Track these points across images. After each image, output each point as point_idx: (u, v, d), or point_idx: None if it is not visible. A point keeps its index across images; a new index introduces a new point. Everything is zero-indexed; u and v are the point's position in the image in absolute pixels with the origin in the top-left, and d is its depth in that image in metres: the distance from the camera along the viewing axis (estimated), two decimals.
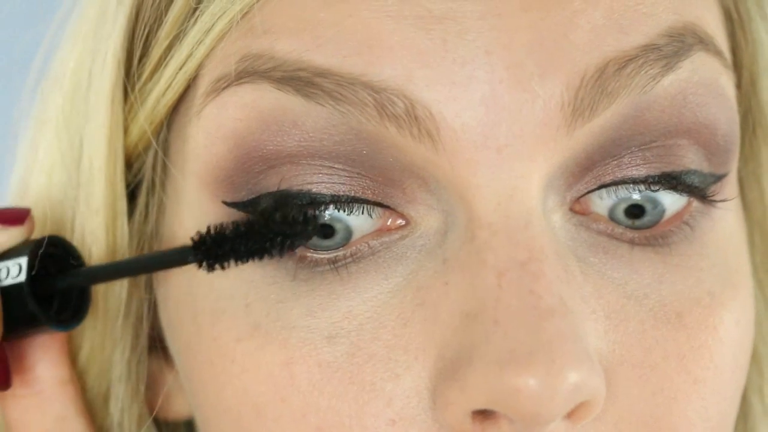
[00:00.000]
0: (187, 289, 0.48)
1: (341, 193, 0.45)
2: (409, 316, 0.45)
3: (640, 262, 0.46)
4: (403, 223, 0.45)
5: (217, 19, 0.46)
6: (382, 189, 0.45)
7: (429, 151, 0.44)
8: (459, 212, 0.44)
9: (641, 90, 0.45)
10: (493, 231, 0.44)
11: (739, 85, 0.52)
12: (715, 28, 0.48)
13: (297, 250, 0.45)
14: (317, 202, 0.45)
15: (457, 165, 0.44)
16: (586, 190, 0.46)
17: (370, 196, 0.45)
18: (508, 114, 0.43)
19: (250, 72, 0.45)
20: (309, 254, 0.45)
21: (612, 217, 0.46)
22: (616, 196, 0.46)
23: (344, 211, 0.45)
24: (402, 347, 0.44)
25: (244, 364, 0.46)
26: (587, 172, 0.46)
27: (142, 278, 0.51)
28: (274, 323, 0.45)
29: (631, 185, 0.46)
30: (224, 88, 0.46)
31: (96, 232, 0.50)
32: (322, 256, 0.45)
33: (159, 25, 0.48)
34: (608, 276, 0.46)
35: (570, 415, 0.43)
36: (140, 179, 0.51)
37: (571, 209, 0.46)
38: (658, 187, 0.46)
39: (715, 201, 0.48)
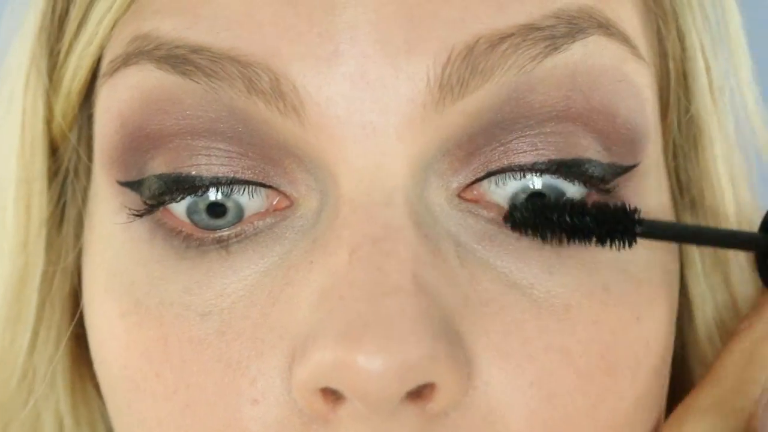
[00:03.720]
0: (93, 264, 0.49)
1: (221, 175, 0.45)
2: (277, 295, 0.44)
3: (530, 252, 0.45)
4: (288, 203, 0.46)
5: (111, 4, 0.47)
6: (263, 168, 0.45)
7: (296, 126, 0.44)
8: (330, 189, 0.44)
9: (520, 70, 0.44)
10: (353, 207, 0.43)
11: (667, 78, 0.51)
12: (623, 14, 0.47)
13: (185, 229, 0.46)
14: (197, 185, 0.45)
15: (324, 140, 0.44)
16: (474, 178, 0.45)
17: (250, 177, 0.45)
18: (373, 90, 0.43)
19: (136, 53, 0.46)
20: (196, 233, 0.46)
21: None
22: (505, 184, 0.45)
23: (224, 193, 0.45)
24: (268, 326, 0.44)
25: (126, 340, 0.46)
26: (472, 157, 0.45)
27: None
28: (153, 300, 0.46)
29: (519, 172, 0.45)
30: (115, 70, 0.47)
31: (7, 217, 0.52)
32: (208, 235, 0.46)
33: (70, 7, 0.49)
34: (490, 264, 0.45)
35: (417, 400, 0.42)
36: (63, 164, 0.52)
37: (460, 196, 0.45)
38: (548, 175, 0.45)
39: (618, 183, 0.46)
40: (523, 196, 0.45)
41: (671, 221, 0.50)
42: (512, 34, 0.44)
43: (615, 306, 0.45)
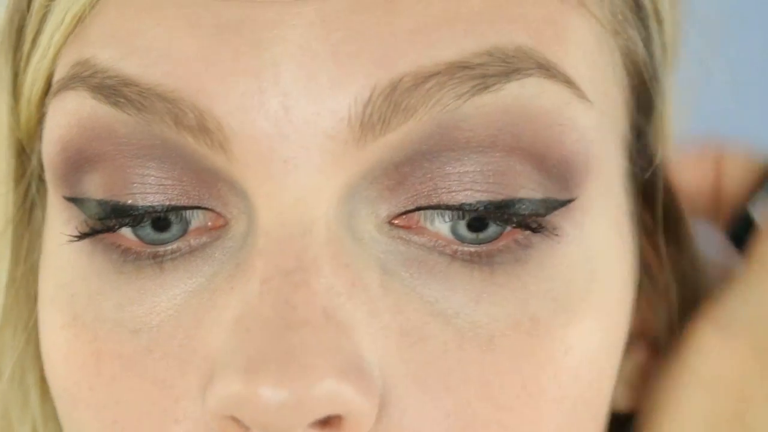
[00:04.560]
0: (43, 274, 0.51)
1: (156, 203, 0.46)
2: (202, 317, 0.45)
3: (458, 279, 0.45)
4: (223, 222, 0.46)
5: (61, 20, 0.48)
6: (198, 192, 0.46)
7: (224, 161, 0.45)
8: (253, 219, 0.45)
9: (444, 108, 0.44)
10: (269, 239, 0.44)
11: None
12: (567, 55, 0.46)
13: (123, 243, 0.47)
14: (133, 214, 0.46)
15: (248, 175, 0.44)
16: (404, 209, 0.45)
17: (185, 203, 0.46)
18: (295, 127, 0.44)
19: (75, 78, 0.47)
20: (134, 247, 0.47)
21: (455, 234, 0.46)
22: (433, 223, 0.45)
23: (161, 220, 0.46)
24: (192, 348, 0.45)
25: (65, 351, 0.48)
26: (401, 186, 0.45)
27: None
28: (89, 314, 0.47)
29: (447, 212, 0.45)
30: (57, 92, 0.48)
31: None
32: (146, 249, 0.47)
33: (27, 16, 0.50)
34: (417, 292, 0.45)
35: (324, 428, 0.43)
36: (29, 166, 0.53)
37: (392, 222, 0.46)
38: (476, 215, 0.45)
39: (543, 231, 0.46)
40: (451, 236, 0.45)
41: None
42: (438, 72, 0.44)
43: (542, 338, 0.45)
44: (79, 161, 0.47)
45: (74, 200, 0.48)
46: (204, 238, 0.46)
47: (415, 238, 0.46)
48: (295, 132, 0.44)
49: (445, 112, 0.44)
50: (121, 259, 0.47)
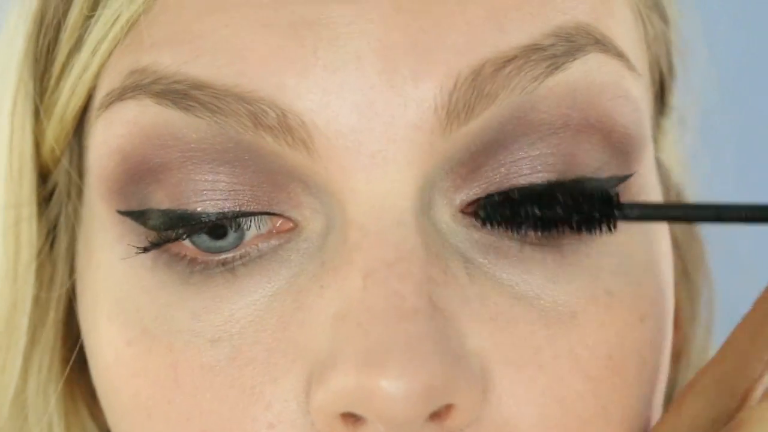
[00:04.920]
0: (93, 291, 0.49)
1: (226, 209, 0.45)
2: (288, 319, 0.45)
3: (533, 263, 0.46)
4: (291, 226, 0.46)
5: (108, 29, 0.46)
6: (267, 196, 0.45)
7: (305, 158, 0.44)
8: (337, 215, 0.45)
9: (522, 91, 0.45)
10: (364, 232, 0.44)
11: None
12: (617, 29, 0.48)
13: (188, 253, 0.46)
14: (203, 221, 0.45)
15: (333, 171, 0.44)
16: (475, 197, 0.46)
17: (256, 208, 0.45)
18: (381, 119, 0.44)
19: (133, 87, 0.46)
20: (200, 257, 0.46)
21: None
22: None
23: (231, 226, 0.46)
24: (281, 351, 0.45)
25: (135, 367, 0.46)
26: (474, 175, 0.46)
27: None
28: (161, 327, 0.46)
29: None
30: (111, 104, 0.46)
31: None
32: (213, 257, 0.46)
33: (60, 31, 0.49)
34: (497, 278, 0.46)
35: (436, 419, 0.43)
36: (55, 189, 0.52)
37: (463, 211, 0.46)
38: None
39: (619, 182, 0.47)
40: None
41: (653, 202, 0.50)
42: (516, 57, 0.45)
43: (619, 309, 0.47)
44: (140, 172, 0.46)
45: (131, 213, 0.47)
46: (273, 242, 0.46)
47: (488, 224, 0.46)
48: (381, 124, 0.44)
49: (524, 94, 0.45)
50: (187, 269, 0.46)
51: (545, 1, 0.46)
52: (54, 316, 0.52)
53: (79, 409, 0.54)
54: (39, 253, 0.52)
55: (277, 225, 0.46)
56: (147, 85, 0.45)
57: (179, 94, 0.45)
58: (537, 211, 0.46)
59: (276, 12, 0.44)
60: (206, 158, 0.45)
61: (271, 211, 0.46)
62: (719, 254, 0.62)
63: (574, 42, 0.46)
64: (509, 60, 0.45)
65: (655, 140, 0.54)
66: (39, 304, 0.52)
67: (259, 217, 0.46)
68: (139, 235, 0.47)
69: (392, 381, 0.41)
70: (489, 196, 0.45)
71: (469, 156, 0.45)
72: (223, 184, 0.45)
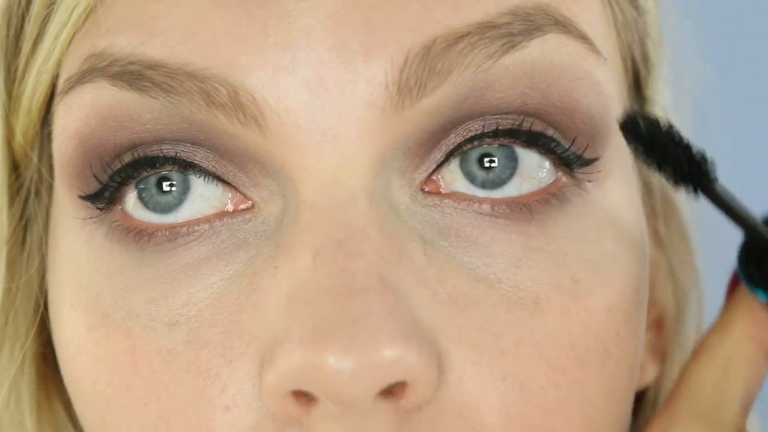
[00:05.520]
0: (58, 279, 0.49)
1: (181, 156, 0.45)
2: (244, 302, 0.45)
3: (497, 246, 0.45)
4: (249, 205, 0.46)
5: (68, 17, 0.47)
6: (225, 166, 0.45)
7: (258, 135, 0.44)
8: (292, 196, 0.44)
9: (477, 68, 0.44)
10: (315, 211, 0.44)
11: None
12: (580, 12, 0.47)
13: (135, 225, 0.46)
14: (156, 164, 0.45)
15: (285, 149, 0.44)
16: (435, 165, 0.45)
17: (211, 168, 0.45)
18: (332, 96, 0.43)
19: (90, 71, 0.46)
20: (148, 228, 0.46)
21: (467, 173, 0.46)
22: (462, 154, 0.45)
23: (180, 173, 0.46)
24: (237, 333, 0.44)
25: (94, 354, 0.46)
26: (432, 150, 0.45)
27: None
28: (119, 312, 0.46)
29: (477, 140, 0.45)
30: (70, 89, 0.47)
31: None
32: (157, 221, 0.46)
33: (25, 22, 0.49)
34: (458, 259, 0.45)
35: (389, 396, 0.42)
36: (25, 181, 0.52)
37: (423, 190, 0.46)
38: (507, 139, 0.45)
39: (584, 172, 0.46)
40: (475, 155, 0.46)
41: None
42: (469, 33, 0.44)
43: (584, 298, 0.46)
44: (98, 154, 0.46)
45: (91, 197, 0.47)
46: (227, 220, 0.45)
47: (448, 202, 0.46)
48: (331, 101, 0.43)
49: (478, 72, 0.44)
50: (139, 250, 0.46)
51: None
52: (23, 309, 0.52)
53: (54, 406, 0.54)
54: (10, 245, 0.52)
55: (233, 202, 0.46)
56: (103, 68, 0.45)
57: (134, 75, 0.45)
58: (674, 151, 0.44)
59: None
60: (162, 137, 0.45)
61: (226, 179, 0.45)
62: (708, 253, 0.60)
63: (532, 21, 0.45)
64: (461, 36, 0.44)
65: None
66: (9, 296, 0.52)
67: (212, 178, 0.45)
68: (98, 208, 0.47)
69: (339, 357, 0.41)
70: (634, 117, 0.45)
71: (426, 135, 0.45)
72: (184, 145, 0.45)
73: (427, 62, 0.44)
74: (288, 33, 0.44)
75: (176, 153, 0.45)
